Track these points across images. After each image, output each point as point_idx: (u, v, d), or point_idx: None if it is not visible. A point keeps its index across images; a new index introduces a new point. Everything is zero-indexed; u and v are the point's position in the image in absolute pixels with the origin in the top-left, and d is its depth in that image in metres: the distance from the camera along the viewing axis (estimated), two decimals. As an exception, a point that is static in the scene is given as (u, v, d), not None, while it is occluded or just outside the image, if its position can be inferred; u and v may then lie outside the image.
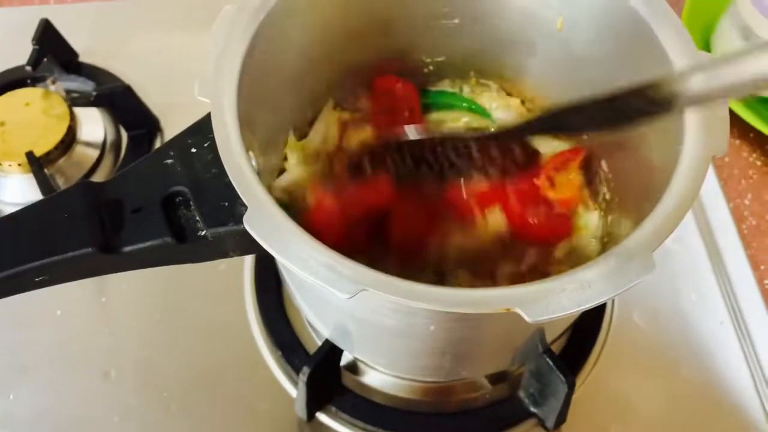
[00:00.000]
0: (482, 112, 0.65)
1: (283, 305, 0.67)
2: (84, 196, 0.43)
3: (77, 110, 0.76)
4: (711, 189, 0.77)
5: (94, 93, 0.73)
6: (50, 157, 0.73)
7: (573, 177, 0.60)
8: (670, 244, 0.73)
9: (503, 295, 0.37)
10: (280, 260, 0.38)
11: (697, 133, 0.43)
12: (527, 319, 0.36)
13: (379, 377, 0.63)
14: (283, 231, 0.39)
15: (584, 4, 0.53)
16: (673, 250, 0.73)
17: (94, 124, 0.78)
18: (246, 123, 0.46)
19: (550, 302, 0.37)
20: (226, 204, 0.42)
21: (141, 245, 0.42)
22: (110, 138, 0.79)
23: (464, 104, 0.65)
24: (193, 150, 0.44)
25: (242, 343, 0.67)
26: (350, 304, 0.40)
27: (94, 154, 0.77)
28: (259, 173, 0.45)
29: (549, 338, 0.56)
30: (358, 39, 0.59)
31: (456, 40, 0.62)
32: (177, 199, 0.43)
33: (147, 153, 0.77)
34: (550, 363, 0.56)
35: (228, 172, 0.41)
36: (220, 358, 0.66)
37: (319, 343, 0.60)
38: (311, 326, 0.65)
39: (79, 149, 0.76)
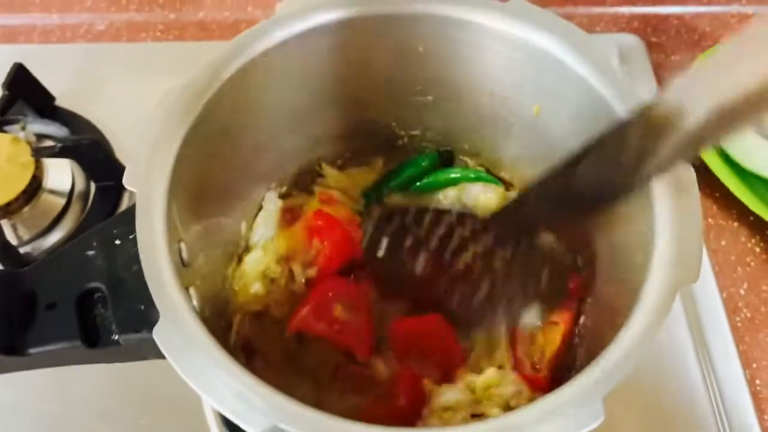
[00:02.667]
0: (494, 181, 0.60)
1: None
2: (-4, 289, 0.39)
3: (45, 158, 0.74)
4: (703, 275, 0.71)
5: (59, 145, 0.70)
6: (11, 208, 0.70)
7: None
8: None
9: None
10: (188, 383, 0.34)
11: (667, 260, 0.39)
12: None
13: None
14: (196, 348, 0.35)
15: (559, 95, 0.49)
16: (656, 341, 0.68)
17: (62, 172, 0.76)
18: (183, 211, 0.43)
19: (482, 453, 0.33)
20: (142, 308, 0.39)
21: (48, 347, 0.38)
22: (78, 187, 0.76)
23: (471, 175, 0.60)
24: (117, 242, 0.41)
25: (194, 420, 0.63)
26: None
27: (61, 202, 0.74)
28: (190, 266, 0.42)
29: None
30: (324, 112, 0.56)
31: (431, 116, 0.58)
32: (95, 296, 0.40)
33: (115, 204, 0.75)
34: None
35: (145, 275, 0.37)
36: (170, 432, 0.63)
37: None
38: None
39: (44, 197, 0.73)
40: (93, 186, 0.76)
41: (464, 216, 0.53)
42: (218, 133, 0.47)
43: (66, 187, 0.75)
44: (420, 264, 0.52)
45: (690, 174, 0.41)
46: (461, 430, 0.34)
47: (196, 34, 0.90)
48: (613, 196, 0.41)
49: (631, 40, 0.88)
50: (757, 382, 0.67)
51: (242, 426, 0.33)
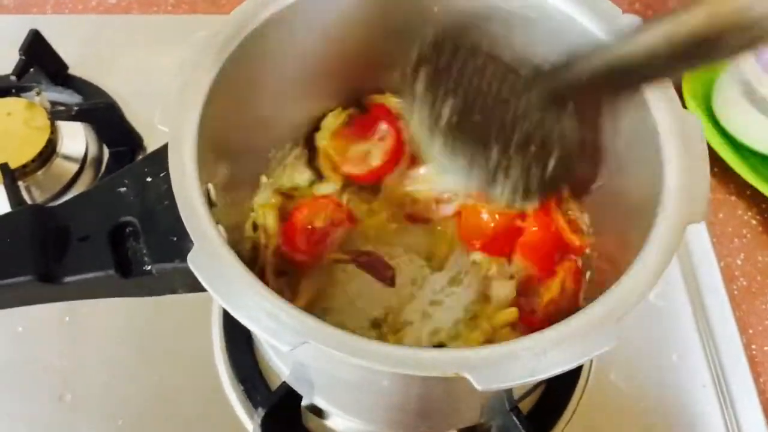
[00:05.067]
0: None
1: (250, 337, 0.65)
2: (30, 221, 0.41)
3: (60, 123, 0.75)
4: (702, 246, 0.74)
5: (76, 108, 0.71)
6: (27, 170, 0.71)
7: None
8: (654, 300, 0.71)
9: (453, 358, 0.35)
10: (221, 303, 0.36)
11: (676, 198, 0.40)
12: (477, 386, 0.34)
13: (343, 423, 0.61)
14: (229, 272, 0.37)
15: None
16: (657, 307, 0.70)
17: (76, 138, 0.77)
18: (211, 154, 0.44)
19: (502, 369, 0.35)
20: (175, 239, 0.40)
21: (83, 276, 0.40)
22: (92, 153, 0.77)
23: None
24: (149, 179, 0.42)
25: (205, 374, 0.65)
26: (299, 352, 0.38)
27: (74, 167, 0.76)
28: (217, 206, 0.43)
29: (516, 395, 0.54)
30: (342, 70, 0.57)
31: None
32: (127, 230, 0.42)
33: (128, 170, 0.77)
34: (516, 422, 0.53)
35: (179, 206, 0.39)
36: (181, 387, 0.64)
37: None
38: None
39: (58, 162, 0.75)
40: (106, 152, 0.78)
41: (509, 70, 0.51)
42: (242, 83, 0.49)
43: (80, 152, 0.77)
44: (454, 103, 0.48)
45: (697, 121, 0.43)
46: (482, 349, 0.36)
47: (207, 9, 0.91)
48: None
49: (632, 21, 0.90)
50: (753, 347, 0.70)
51: (275, 343, 0.35)
